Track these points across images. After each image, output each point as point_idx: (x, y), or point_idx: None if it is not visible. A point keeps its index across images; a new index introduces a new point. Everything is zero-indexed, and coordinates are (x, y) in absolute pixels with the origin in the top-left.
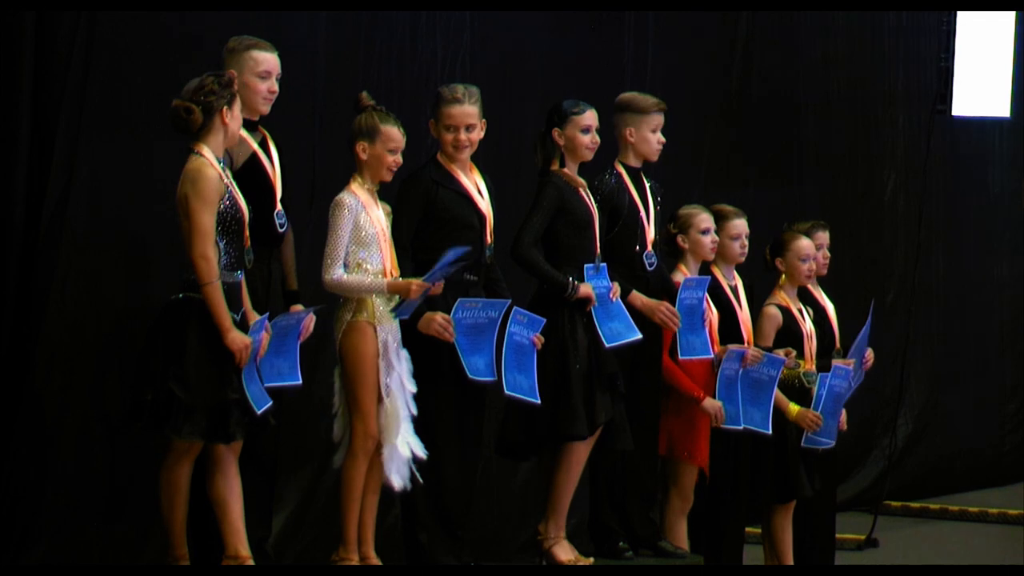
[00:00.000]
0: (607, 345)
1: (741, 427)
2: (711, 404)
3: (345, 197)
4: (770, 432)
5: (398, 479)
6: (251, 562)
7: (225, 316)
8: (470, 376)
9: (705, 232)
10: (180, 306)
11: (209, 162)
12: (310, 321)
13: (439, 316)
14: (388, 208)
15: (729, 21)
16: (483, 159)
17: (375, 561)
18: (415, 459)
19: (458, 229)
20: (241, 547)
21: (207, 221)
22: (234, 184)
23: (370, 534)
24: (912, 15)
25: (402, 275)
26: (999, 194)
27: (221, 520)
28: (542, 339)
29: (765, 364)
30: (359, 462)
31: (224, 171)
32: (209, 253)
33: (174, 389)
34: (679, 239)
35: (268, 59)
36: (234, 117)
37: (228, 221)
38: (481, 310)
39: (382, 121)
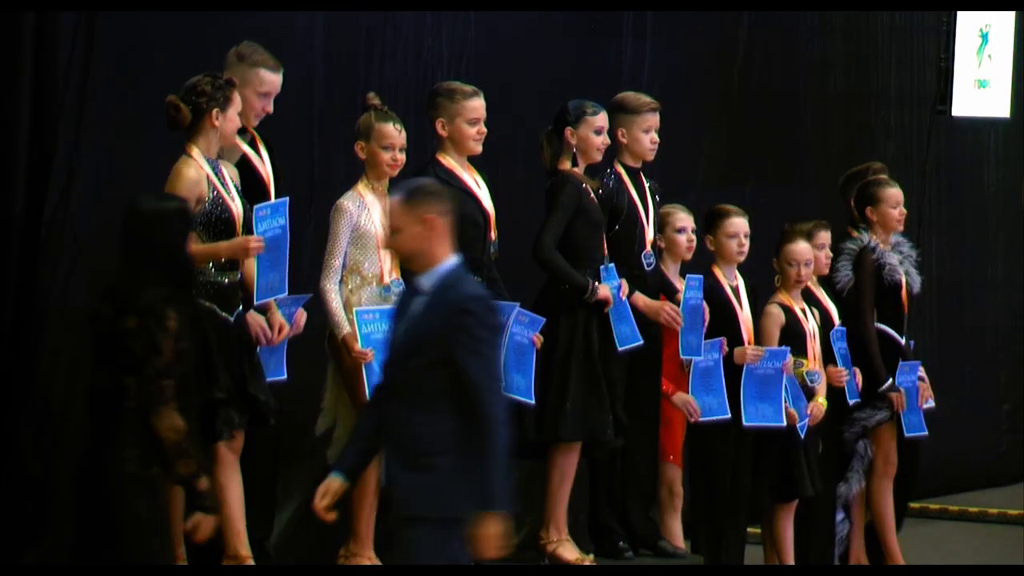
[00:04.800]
0: (619, 349)
1: (726, 416)
2: (681, 399)
3: (345, 201)
4: (784, 425)
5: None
6: (251, 562)
7: (211, 249)
8: None
9: (681, 231)
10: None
11: (196, 163)
12: (300, 317)
13: None
14: None
15: (729, 21)
16: (483, 158)
17: (374, 560)
18: None
19: (464, 227)
20: (241, 547)
21: None
22: (229, 184)
23: (369, 533)
24: (910, 15)
25: (404, 276)
26: (994, 194)
27: (221, 519)
28: (541, 338)
29: (768, 358)
30: None
31: (220, 171)
32: None
33: None
34: (656, 238)
35: (273, 81)
36: (227, 119)
37: (212, 221)
38: None
39: (377, 119)
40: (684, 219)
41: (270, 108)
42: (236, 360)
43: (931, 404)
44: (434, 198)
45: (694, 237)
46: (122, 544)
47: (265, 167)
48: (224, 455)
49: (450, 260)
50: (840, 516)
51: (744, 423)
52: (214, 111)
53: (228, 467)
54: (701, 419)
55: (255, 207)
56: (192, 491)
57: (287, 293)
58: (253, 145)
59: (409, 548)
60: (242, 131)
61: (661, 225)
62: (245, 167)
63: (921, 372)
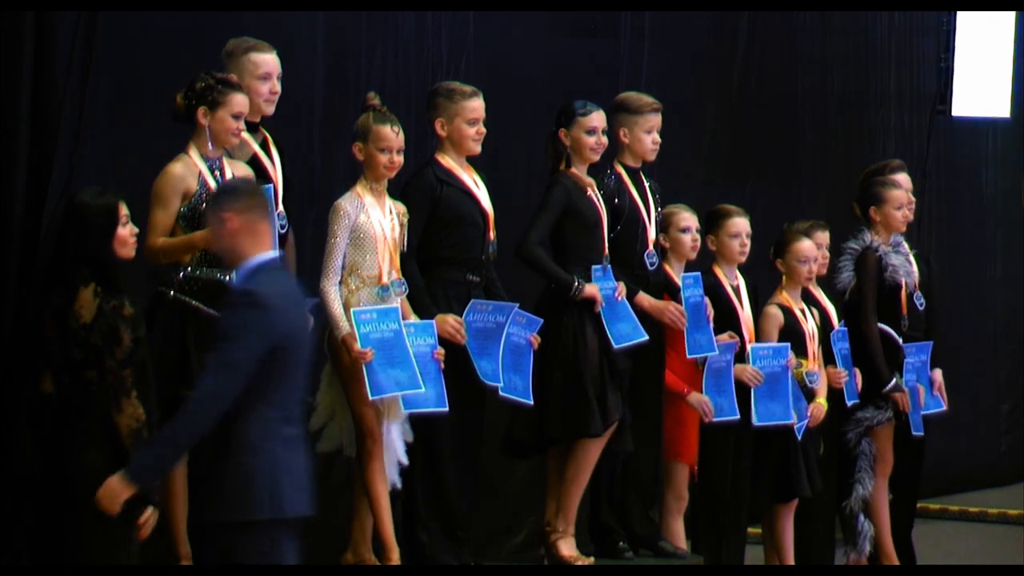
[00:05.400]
0: (615, 347)
1: (736, 417)
2: (696, 399)
3: (343, 202)
4: (793, 421)
5: (391, 477)
6: None
7: (187, 238)
8: (481, 379)
9: (685, 231)
10: (150, 303)
11: (189, 160)
12: (308, 322)
13: (451, 318)
14: (403, 207)
15: (728, 21)
16: (482, 158)
17: (372, 561)
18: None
19: (462, 227)
20: None
21: (154, 216)
22: (221, 182)
23: (367, 534)
24: (910, 16)
25: (406, 277)
26: (993, 194)
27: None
28: (538, 339)
29: (770, 357)
30: (375, 465)
31: (220, 168)
32: (155, 247)
33: None
34: (660, 238)
35: (267, 61)
36: (215, 119)
37: (195, 216)
38: (491, 314)
39: (375, 121)
40: (688, 219)
41: (277, 88)
42: None
43: (943, 408)
44: (230, 197)
45: (698, 236)
46: (87, 538)
47: (275, 168)
48: None
49: (257, 258)
50: (861, 518)
51: (755, 423)
52: (201, 109)
53: None
54: (714, 420)
55: None
56: None
57: None
58: (264, 146)
59: None
60: (255, 130)
61: (665, 225)
62: (254, 167)
63: (939, 379)
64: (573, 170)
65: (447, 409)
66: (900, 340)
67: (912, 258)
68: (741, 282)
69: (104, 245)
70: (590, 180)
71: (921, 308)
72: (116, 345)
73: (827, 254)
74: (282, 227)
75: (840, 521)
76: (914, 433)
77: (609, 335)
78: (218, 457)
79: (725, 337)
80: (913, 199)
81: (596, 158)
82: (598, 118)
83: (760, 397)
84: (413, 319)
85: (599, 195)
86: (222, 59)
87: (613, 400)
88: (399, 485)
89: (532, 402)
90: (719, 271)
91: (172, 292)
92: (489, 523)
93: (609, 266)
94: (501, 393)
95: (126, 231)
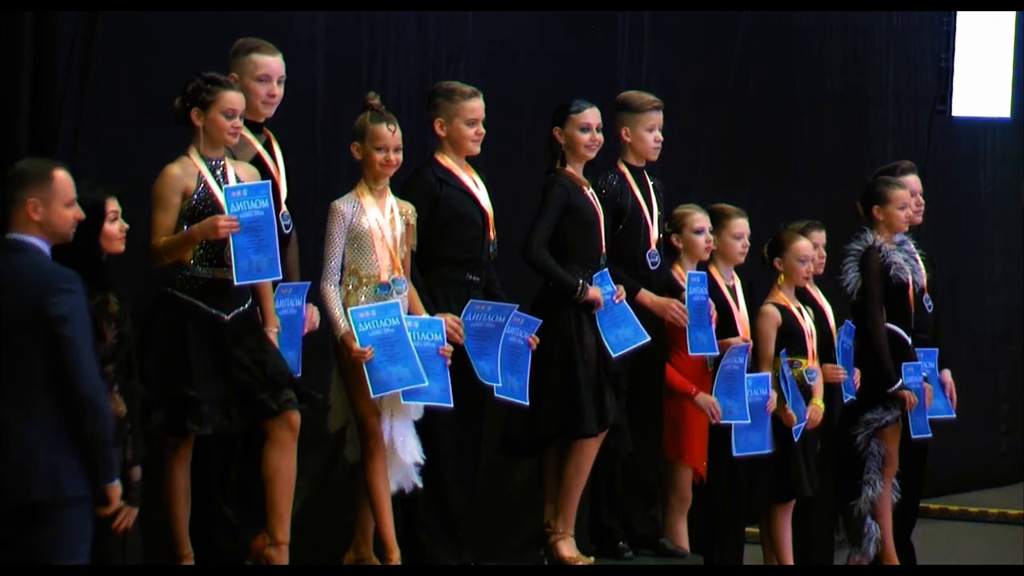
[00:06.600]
0: (614, 354)
1: (746, 421)
2: (704, 400)
3: (339, 203)
4: (771, 451)
5: (404, 482)
6: (286, 546)
7: (185, 233)
8: (480, 379)
9: (699, 232)
10: (153, 302)
11: (189, 161)
12: (312, 312)
13: (449, 318)
14: (409, 207)
15: (727, 21)
16: (482, 158)
17: (373, 561)
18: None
19: (462, 227)
20: (279, 531)
21: (156, 217)
22: (231, 181)
23: (369, 534)
24: (910, 16)
25: (410, 276)
26: (992, 194)
27: (266, 498)
28: (537, 340)
29: (753, 386)
30: (377, 466)
31: (222, 168)
32: (158, 247)
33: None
34: (673, 239)
35: (268, 62)
36: (208, 119)
37: (196, 215)
38: (490, 314)
39: (371, 120)
40: (701, 219)
41: (277, 91)
42: (246, 353)
43: (952, 415)
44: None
45: (712, 237)
46: None
47: (279, 169)
48: (279, 435)
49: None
50: (868, 520)
51: (734, 454)
52: (194, 111)
53: (281, 447)
54: (722, 422)
55: (226, 188)
56: (122, 480)
57: (281, 275)
58: (268, 146)
59: None
60: (258, 130)
61: (679, 226)
62: (258, 167)
63: (949, 380)
64: (569, 169)
65: (451, 405)
66: (909, 339)
67: (919, 258)
68: (737, 282)
69: (90, 240)
70: (585, 180)
71: (930, 310)
72: (99, 341)
73: (823, 253)
74: (286, 227)
75: (844, 522)
76: (914, 436)
77: (607, 344)
78: None
79: (739, 340)
80: (922, 201)
81: (591, 155)
82: (592, 115)
83: (740, 428)
84: (424, 315)
85: (594, 194)
86: (229, 58)
87: (610, 401)
88: (419, 484)
89: (528, 403)
90: (716, 271)
91: (172, 290)
92: (489, 523)
93: (607, 269)
94: (496, 395)
95: (114, 227)
